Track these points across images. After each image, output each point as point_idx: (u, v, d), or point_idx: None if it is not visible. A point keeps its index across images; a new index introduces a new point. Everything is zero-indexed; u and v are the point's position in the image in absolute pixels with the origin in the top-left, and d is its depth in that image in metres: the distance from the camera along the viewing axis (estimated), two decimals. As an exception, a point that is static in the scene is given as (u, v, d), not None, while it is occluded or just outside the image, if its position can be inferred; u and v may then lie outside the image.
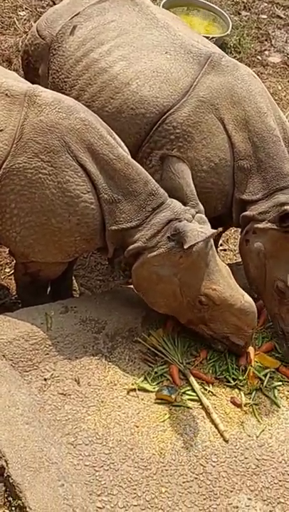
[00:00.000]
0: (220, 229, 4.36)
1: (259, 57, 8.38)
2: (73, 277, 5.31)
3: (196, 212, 4.38)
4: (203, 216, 4.41)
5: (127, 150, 4.54)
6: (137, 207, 4.37)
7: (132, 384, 4.29)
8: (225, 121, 4.73)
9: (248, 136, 4.74)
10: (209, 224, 4.40)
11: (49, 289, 5.00)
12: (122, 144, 4.54)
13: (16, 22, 7.64)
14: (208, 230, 4.26)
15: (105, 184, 4.35)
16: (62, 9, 5.26)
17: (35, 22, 7.00)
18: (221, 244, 6.02)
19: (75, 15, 5.11)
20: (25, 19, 7.69)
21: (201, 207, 4.45)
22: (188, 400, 4.29)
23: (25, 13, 7.78)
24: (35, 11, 7.78)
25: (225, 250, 6.06)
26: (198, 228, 4.22)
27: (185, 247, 4.15)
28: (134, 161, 4.44)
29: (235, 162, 4.75)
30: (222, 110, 4.73)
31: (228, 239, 6.15)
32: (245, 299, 4.36)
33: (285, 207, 4.46)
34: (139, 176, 4.38)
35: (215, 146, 4.72)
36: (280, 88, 7.93)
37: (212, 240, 4.35)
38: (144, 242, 4.33)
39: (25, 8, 7.83)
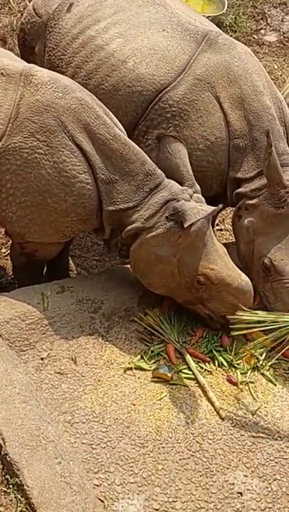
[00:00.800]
0: (220, 206, 4.35)
1: (255, 36, 8.33)
2: (69, 257, 5.31)
3: (194, 192, 4.38)
4: (201, 196, 4.41)
5: (123, 130, 4.53)
6: (134, 187, 4.36)
7: (129, 363, 4.30)
8: (221, 99, 4.71)
9: (243, 114, 4.73)
10: (206, 203, 4.40)
11: (45, 269, 5.00)
12: (119, 123, 4.52)
13: (11, 1, 7.58)
14: (208, 207, 4.26)
15: (102, 164, 4.34)
16: (59, -13, 5.22)
17: (29, 1, 6.94)
18: (218, 224, 6.02)
19: None
20: (20, -2, 7.63)
21: (198, 187, 4.44)
22: (185, 378, 4.30)
23: (19, -8, 7.71)
24: (30, -10, 7.70)
25: (221, 230, 6.06)
26: (197, 206, 4.22)
27: (185, 225, 4.16)
28: (131, 141, 4.43)
29: (230, 141, 4.74)
30: (218, 88, 4.72)
31: (224, 219, 6.14)
32: (242, 278, 4.37)
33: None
34: (136, 156, 4.37)
35: (211, 125, 4.71)
36: (275, 67, 7.89)
37: (209, 223, 4.36)
38: (143, 223, 4.32)
39: (20, -13, 7.77)
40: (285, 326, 4.30)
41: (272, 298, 4.54)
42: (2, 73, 4.38)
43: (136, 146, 4.41)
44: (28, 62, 5.11)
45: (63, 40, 4.94)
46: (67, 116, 4.30)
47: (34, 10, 5.19)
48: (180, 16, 4.89)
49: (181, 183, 4.44)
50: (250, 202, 4.66)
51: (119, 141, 4.36)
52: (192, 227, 4.19)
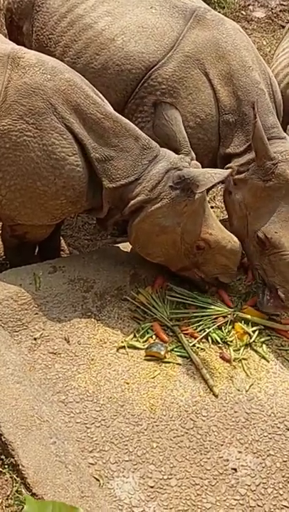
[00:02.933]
0: (230, 170, 4.37)
1: (243, 12, 8.32)
2: (61, 237, 5.30)
3: (190, 160, 4.39)
4: (198, 163, 4.43)
5: (111, 108, 4.51)
6: (132, 162, 4.36)
7: (122, 341, 4.32)
8: (210, 75, 4.70)
9: (232, 90, 4.72)
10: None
11: (37, 249, 4.99)
12: (108, 102, 4.50)
13: (-3, -21, 7.51)
14: (221, 170, 4.31)
15: (95, 144, 4.32)
16: None
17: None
18: (208, 201, 6.00)
19: None
20: (6, -24, 7.54)
21: (194, 154, 4.47)
22: (178, 356, 4.32)
23: None
24: None
25: (212, 207, 6.05)
26: (208, 171, 4.25)
27: (199, 190, 4.19)
28: (123, 118, 4.41)
29: (220, 117, 4.74)
30: (207, 65, 4.70)
31: (214, 196, 6.14)
32: (234, 240, 4.51)
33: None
34: (128, 132, 4.36)
35: (201, 102, 4.70)
36: (264, 43, 7.87)
37: None
38: (147, 194, 4.33)
39: None
40: (210, 316, 4.49)
41: (271, 271, 4.54)
42: None
43: (128, 121, 4.41)
44: (16, 42, 5.09)
45: (51, 20, 4.91)
46: (56, 98, 4.27)
47: (21, -12, 5.14)
48: None
49: (177, 150, 4.48)
50: (239, 177, 4.66)
51: (111, 118, 4.34)
52: (195, 195, 4.24)
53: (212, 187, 4.38)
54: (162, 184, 4.31)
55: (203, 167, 4.69)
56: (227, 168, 4.74)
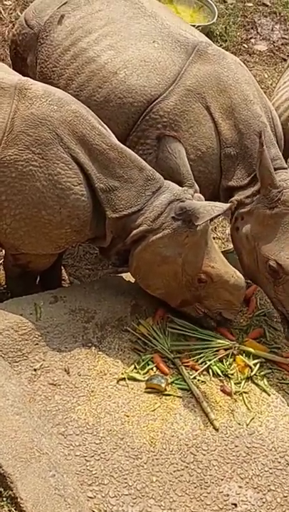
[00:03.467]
0: (231, 203, 4.39)
1: (245, 46, 8.36)
2: (62, 267, 5.30)
3: (194, 192, 4.42)
4: (201, 196, 4.46)
5: (116, 139, 4.54)
6: (135, 192, 4.38)
7: (122, 373, 4.29)
8: (211, 109, 4.74)
9: (234, 123, 4.76)
10: None
11: (38, 278, 4.99)
12: (112, 133, 4.53)
13: (2, 11, 7.58)
14: (220, 204, 4.32)
15: (100, 174, 4.35)
16: (50, -1, 5.23)
17: (21, 11, 6.98)
18: (210, 233, 6.02)
19: (63, 4, 5.08)
20: (11, 9, 7.63)
21: (197, 187, 4.49)
22: (179, 388, 4.30)
23: (11, 3, 7.71)
24: (21, 0, 7.70)
25: (213, 238, 6.05)
26: (209, 204, 4.28)
27: (198, 223, 4.21)
28: (128, 149, 4.46)
29: (222, 150, 4.77)
30: (208, 99, 4.74)
31: (215, 227, 6.15)
32: (237, 275, 4.47)
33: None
34: (133, 163, 4.39)
35: (202, 135, 4.73)
36: (266, 76, 7.92)
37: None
38: (149, 225, 4.34)
39: (11, -2, 7.78)
40: (211, 348, 4.45)
41: (287, 300, 4.52)
42: None
43: (133, 153, 4.45)
44: (21, 73, 5.12)
45: (55, 52, 4.95)
46: (62, 129, 4.31)
47: (26, 21, 5.20)
48: (170, 27, 4.91)
49: (181, 183, 4.51)
50: (245, 210, 4.67)
51: (116, 149, 4.38)
52: (198, 226, 4.25)
53: (212, 220, 4.38)
54: (165, 215, 4.32)
55: (204, 199, 4.72)
56: (230, 202, 4.76)
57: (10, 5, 7.68)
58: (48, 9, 5.10)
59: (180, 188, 4.42)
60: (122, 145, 4.42)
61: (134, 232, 4.37)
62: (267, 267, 4.53)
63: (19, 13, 7.30)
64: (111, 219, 4.39)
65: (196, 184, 4.50)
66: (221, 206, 4.27)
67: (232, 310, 4.54)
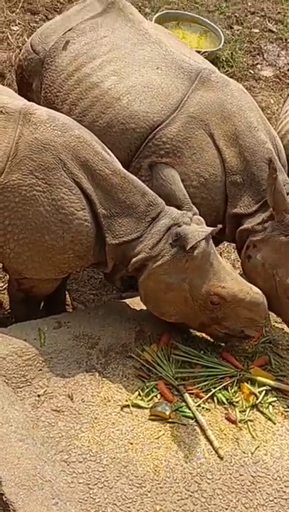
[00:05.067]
0: (219, 226, 4.34)
1: (251, 71, 8.40)
2: (66, 291, 5.28)
3: (193, 215, 4.39)
4: (200, 218, 4.42)
5: (120, 165, 4.54)
6: (136, 219, 4.37)
7: (126, 400, 4.25)
8: (215, 136, 4.74)
9: (239, 150, 4.75)
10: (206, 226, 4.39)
11: (42, 303, 4.97)
12: (116, 158, 4.53)
13: (9, 37, 7.64)
14: (207, 228, 4.28)
15: (102, 199, 4.35)
16: (56, 24, 5.27)
17: (28, 37, 7.03)
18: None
19: (68, 30, 5.11)
20: (18, 34, 7.69)
21: (196, 209, 4.45)
22: (183, 416, 4.25)
23: (18, 28, 7.78)
24: (28, 26, 7.78)
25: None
26: (197, 228, 4.24)
27: (187, 248, 4.18)
28: (130, 174, 4.45)
29: (227, 177, 4.76)
30: (212, 126, 4.74)
31: (221, 252, 6.13)
32: (253, 291, 4.39)
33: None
34: (136, 188, 4.38)
35: (205, 162, 4.73)
36: (272, 102, 7.94)
37: (211, 240, 4.36)
38: (148, 252, 4.33)
39: (19, 23, 7.83)
40: (216, 376, 4.40)
41: None
42: (1, 111, 4.39)
43: (135, 178, 4.44)
44: (26, 98, 5.14)
45: (59, 78, 4.97)
46: (66, 154, 4.31)
47: (31, 47, 5.23)
48: (174, 54, 4.93)
49: (179, 208, 4.48)
50: (257, 238, 4.65)
51: (119, 175, 4.37)
52: (196, 249, 4.21)
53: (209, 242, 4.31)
54: (163, 241, 4.31)
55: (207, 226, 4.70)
56: (242, 231, 4.76)
57: (17, 30, 7.75)
58: (54, 35, 5.13)
59: (179, 212, 4.39)
60: (124, 170, 4.42)
61: (134, 260, 4.35)
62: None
63: (26, 39, 7.36)
64: (111, 245, 4.38)
65: (194, 207, 4.46)
66: (206, 230, 4.23)
67: (255, 327, 4.47)
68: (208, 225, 4.75)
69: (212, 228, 4.26)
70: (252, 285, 4.43)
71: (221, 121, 4.76)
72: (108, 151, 4.50)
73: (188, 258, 4.24)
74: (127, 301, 4.81)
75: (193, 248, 4.19)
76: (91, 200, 4.33)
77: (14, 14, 7.91)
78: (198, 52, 7.50)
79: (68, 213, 4.30)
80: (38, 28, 5.83)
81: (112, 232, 4.36)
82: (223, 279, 4.33)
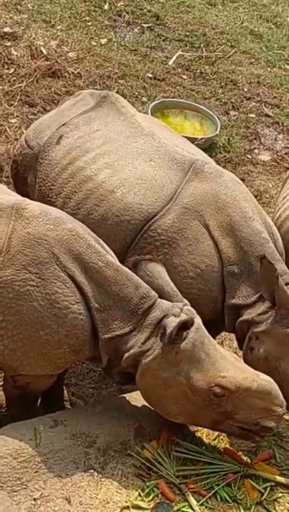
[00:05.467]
0: (191, 316, 4.25)
1: (249, 156, 8.46)
2: (64, 386, 5.18)
3: (183, 305, 4.30)
4: (191, 308, 4.32)
5: (115, 257, 4.51)
6: (128, 312, 4.30)
7: (126, 501, 4.10)
8: (210, 227, 4.72)
9: (235, 241, 4.73)
10: (198, 316, 4.30)
11: (39, 399, 4.86)
12: (110, 251, 4.50)
13: (8, 129, 7.74)
14: (174, 318, 4.17)
15: (95, 293, 4.30)
16: (50, 119, 5.33)
17: (26, 129, 7.09)
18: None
19: (62, 125, 5.16)
20: (16, 126, 7.79)
21: (186, 301, 4.35)
22: (185, 516, 4.10)
23: (16, 121, 7.88)
24: (26, 118, 7.89)
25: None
26: (173, 319, 4.15)
27: (166, 339, 4.10)
28: (124, 267, 4.40)
29: (224, 268, 4.72)
30: (207, 216, 4.73)
31: (222, 341, 6.04)
32: (260, 378, 4.18)
33: None
34: (129, 281, 4.33)
35: (201, 253, 4.70)
36: (270, 186, 7.97)
37: (205, 330, 4.25)
38: (140, 347, 4.24)
39: (16, 116, 7.95)
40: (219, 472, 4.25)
41: None
42: None
43: (129, 271, 4.39)
44: (22, 192, 5.18)
45: (53, 171, 4.99)
46: (59, 248, 4.28)
47: (26, 142, 5.28)
48: (167, 146, 4.96)
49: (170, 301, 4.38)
50: (259, 329, 4.58)
51: (112, 267, 4.33)
52: (185, 340, 4.11)
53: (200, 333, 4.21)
54: (155, 335, 4.22)
55: (204, 316, 4.62)
56: (242, 322, 4.69)
57: (15, 123, 7.85)
58: (48, 130, 5.18)
59: (170, 303, 4.31)
60: (118, 263, 4.38)
61: (126, 355, 4.26)
62: None
63: (24, 131, 7.43)
64: (104, 340, 4.30)
65: (184, 299, 4.38)
66: (173, 321, 4.13)
67: (272, 417, 4.19)
68: (205, 317, 4.69)
69: (185, 317, 4.16)
70: (259, 372, 4.25)
71: (215, 211, 4.75)
72: (102, 243, 4.47)
73: (178, 350, 4.13)
74: (127, 395, 4.69)
75: (174, 339, 4.09)
76: (84, 293, 4.28)
77: (12, 107, 8.03)
78: (196, 139, 7.64)
79: (63, 307, 4.24)
80: (36, 120, 5.90)
81: (105, 327, 4.29)
82: (223, 368, 4.15)
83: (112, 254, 4.51)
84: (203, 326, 4.23)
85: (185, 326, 4.15)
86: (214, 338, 5.19)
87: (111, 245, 4.58)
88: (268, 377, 4.21)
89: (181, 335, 4.13)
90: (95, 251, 4.33)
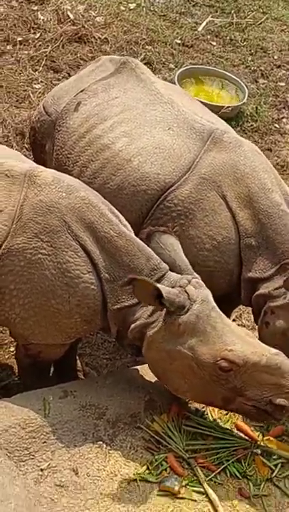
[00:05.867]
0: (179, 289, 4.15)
1: (276, 125, 8.28)
2: (78, 356, 5.15)
3: (192, 278, 4.20)
4: (200, 281, 4.21)
5: (130, 227, 4.43)
6: None
7: (134, 474, 4.07)
8: (228, 198, 4.61)
9: (253, 213, 4.62)
10: (207, 289, 4.19)
11: (52, 369, 4.84)
12: (124, 220, 4.43)
13: (31, 95, 7.65)
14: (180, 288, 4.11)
15: (106, 263, 4.23)
16: (69, 85, 5.24)
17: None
18: (234, 320, 5.83)
19: (80, 91, 5.07)
20: (40, 92, 7.69)
21: (197, 275, 4.25)
22: (193, 491, 4.06)
23: (40, 86, 7.79)
24: (51, 84, 7.77)
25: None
26: (171, 290, 4.07)
27: (164, 307, 4.03)
28: (136, 237, 4.33)
29: (241, 240, 4.62)
30: (224, 187, 4.62)
31: (241, 314, 5.96)
32: (270, 352, 4.04)
33: None
34: (141, 252, 4.25)
35: (217, 224, 4.60)
36: (297, 157, 7.81)
37: (214, 303, 4.14)
38: (146, 318, 4.18)
39: (41, 81, 7.85)
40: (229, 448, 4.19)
41: None
42: (7, 174, 4.33)
43: (141, 242, 4.31)
44: (40, 159, 5.12)
45: (70, 139, 4.91)
46: (70, 216, 4.22)
47: (44, 108, 5.20)
48: (186, 114, 4.84)
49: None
50: (276, 304, 4.50)
51: (124, 237, 4.26)
52: (189, 312, 4.02)
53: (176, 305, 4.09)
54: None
55: (220, 289, 4.54)
56: (258, 296, 4.61)
57: (39, 88, 7.76)
58: (66, 96, 5.09)
59: (178, 276, 4.21)
60: (130, 233, 4.30)
61: (132, 326, 4.20)
62: None
63: (47, 96, 7.35)
64: (112, 310, 4.24)
65: (195, 274, 4.27)
66: (175, 289, 4.07)
67: (283, 394, 4.00)
68: (221, 290, 4.61)
69: (179, 288, 4.09)
70: (270, 348, 4.11)
71: (233, 182, 4.64)
72: (116, 213, 4.39)
73: (181, 321, 4.05)
74: (139, 367, 4.63)
75: (173, 311, 4.01)
76: (95, 263, 4.22)
77: (37, 73, 7.93)
78: (222, 107, 7.49)
79: (74, 276, 4.19)
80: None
81: (115, 297, 4.23)
82: (230, 342, 4.03)
83: (127, 224, 4.43)
84: (211, 299, 4.13)
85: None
86: (230, 311, 5.14)
87: (127, 215, 4.50)
88: (279, 352, 4.07)
89: (181, 306, 4.04)
90: (108, 220, 4.26)
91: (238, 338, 4.08)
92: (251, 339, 4.15)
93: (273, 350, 4.09)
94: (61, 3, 8.86)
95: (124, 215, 4.46)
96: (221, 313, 4.15)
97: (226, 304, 4.72)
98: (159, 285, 4.02)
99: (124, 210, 4.53)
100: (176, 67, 8.50)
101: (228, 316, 5.28)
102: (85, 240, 4.22)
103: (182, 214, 4.60)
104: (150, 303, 4.11)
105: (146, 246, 4.28)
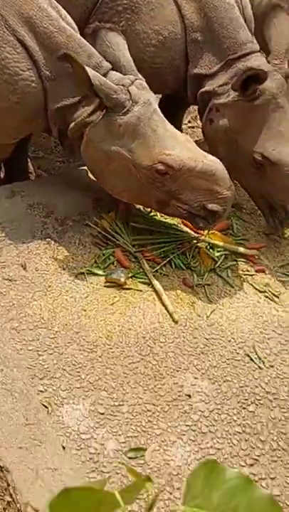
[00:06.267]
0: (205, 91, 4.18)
1: None
2: (30, 160, 5.18)
3: (135, 79, 4.15)
4: (144, 83, 4.16)
5: (73, 24, 4.32)
6: None
7: (81, 268, 4.24)
8: None
9: (199, 6, 4.50)
10: (151, 92, 4.15)
11: (4, 172, 4.89)
12: (68, 17, 4.30)
13: None
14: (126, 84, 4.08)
15: (46, 60, 4.15)
16: None
17: None
18: (189, 121, 5.83)
19: None
20: None
21: (140, 76, 4.21)
22: (139, 282, 4.24)
23: None
24: None
25: (193, 127, 5.87)
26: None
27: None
28: (77, 34, 4.21)
29: (187, 35, 4.53)
30: None
31: (196, 115, 5.93)
32: (208, 159, 4.06)
33: (247, 71, 4.24)
34: (82, 49, 4.15)
35: (164, 19, 4.49)
36: None
37: (156, 106, 4.11)
38: (86, 117, 4.15)
39: None
40: (175, 242, 4.31)
41: (273, 190, 4.38)
42: None
43: (82, 38, 4.20)
44: None
45: None
46: (8, 10, 4.10)
47: None
48: None
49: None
50: (220, 101, 4.46)
51: (65, 33, 4.14)
52: (129, 113, 4.00)
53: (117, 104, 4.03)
54: (101, 108, 4.08)
55: (168, 87, 4.50)
56: (203, 93, 4.56)
57: None
58: None
59: (120, 75, 4.16)
60: (72, 30, 4.19)
61: (72, 125, 4.17)
62: (251, 160, 4.36)
63: None
64: (53, 110, 4.21)
65: (139, 74, 4.21)
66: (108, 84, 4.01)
67: (216, 200, 4.07)
68: (169, 87, 4.58)
69: (122, 87, 4.03)
70: (208, 154, 4.10)
71: None
72: (58, 7, 4.25)
73: (122, 122, 4.03)
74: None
75: (113, 107, 3.98)
76: (35, 60, 4.14)
77: None
78: None
79: (13, 73, 4.13)
80: None
81: (55, 96, 4.19)
82: (170, 146, 4.02)
83: (71, 22, 4.31)
84: (154, 102, 4.08)
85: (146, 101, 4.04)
86: (181, 113, 5.13)
87: (71, 11, 4.37)
88: (216, 159, 4.07)
89: (120, 104, 4.00)
90: (47, 14, 4.14)
91: (177, 143, 4.06)
92: (190, 145, 4.14)
93: (210, 157, 4.08)
94: None
95: (68, 10, 4.33)
96: (163, 117, 4.10)
97: (175, 103, 4.71)
98: (87, 68, 3.92)
99: (69, 4, 4.40)
100: None
101: (181, 119, 5.31)
102: (24, 35, 4.11)
103: (128, 8, 4.48)
104: (84, 89, 4.02)
105: (88, 43, 4.18)
